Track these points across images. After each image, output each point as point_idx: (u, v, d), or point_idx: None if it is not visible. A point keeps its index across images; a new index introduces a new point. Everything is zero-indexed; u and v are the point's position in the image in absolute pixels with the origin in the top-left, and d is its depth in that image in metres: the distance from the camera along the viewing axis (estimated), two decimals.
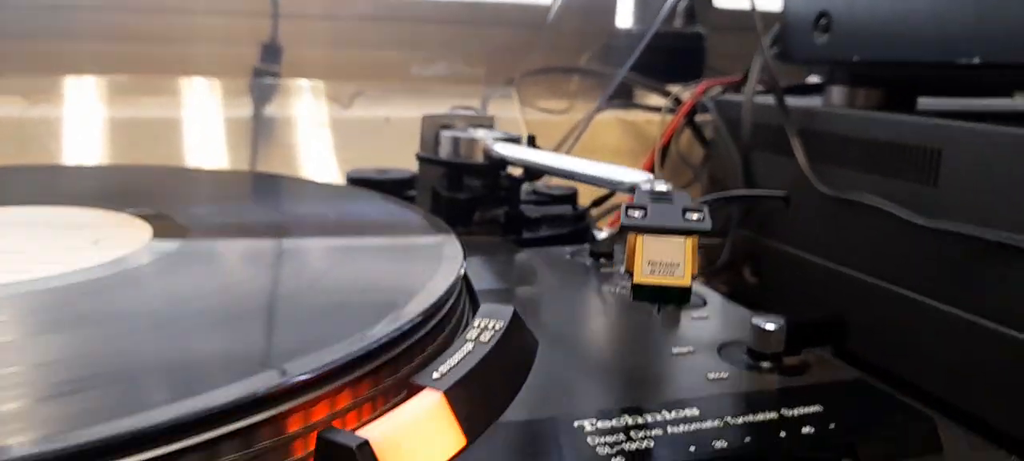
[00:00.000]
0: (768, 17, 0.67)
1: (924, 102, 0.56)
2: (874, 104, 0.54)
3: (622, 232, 0.27)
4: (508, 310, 0.29)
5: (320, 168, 0.64)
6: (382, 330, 0.25)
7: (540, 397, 0.27)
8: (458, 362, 0.25)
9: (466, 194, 0.47)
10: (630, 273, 0.27)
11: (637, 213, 0.27)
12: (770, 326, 0.30)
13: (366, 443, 0.21)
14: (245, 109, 0.64)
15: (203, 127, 0.62)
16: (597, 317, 0.35)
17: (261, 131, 0.62)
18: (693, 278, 0.26)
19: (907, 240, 0.46)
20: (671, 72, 0.75)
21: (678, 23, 0.78)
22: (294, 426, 0.22)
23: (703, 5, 0.82)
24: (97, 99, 0.61)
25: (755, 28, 0.60)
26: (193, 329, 0.25)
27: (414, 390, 0.24)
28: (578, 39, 0.76)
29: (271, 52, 0.63)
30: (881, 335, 0.47)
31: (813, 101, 0.59)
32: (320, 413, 0.23)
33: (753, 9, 0.60)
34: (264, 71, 0.63)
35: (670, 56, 0.74)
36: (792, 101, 0.57)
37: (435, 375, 0.25)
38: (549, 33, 0.74)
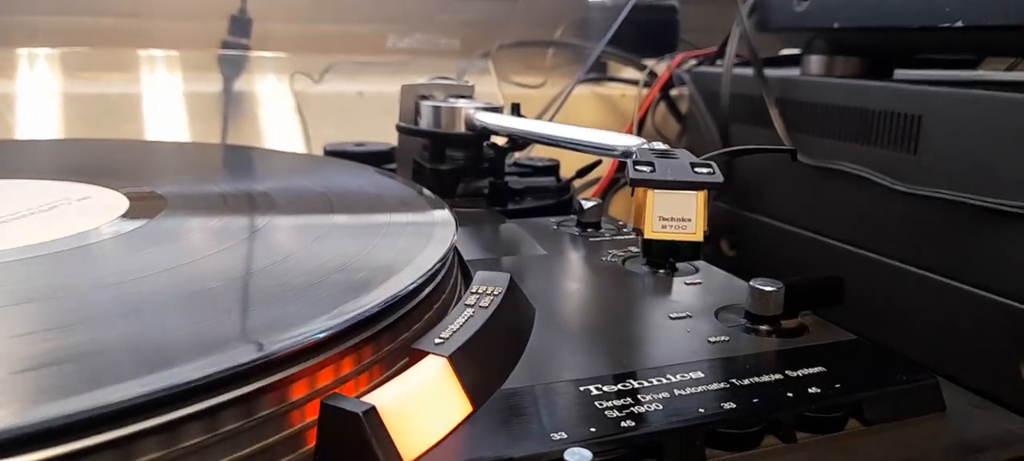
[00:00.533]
0: None
1: (901, 75, 0.56)
2: (852, 73, 0.54)
3: (632, 187, 0.27)
4: (505, 277, 0.29)
5: (292, 143, 0.62)
6: (380, 295, 0.24)
7: (540, 364, 0.26)
8: (460, 327, 0.25)
9: (449, 165, 0.46)
10: (638, 231, 0.26)
11: (646, 168, 0.26)
12: (769, 288, 0.30)
13: (373, 409, 0.20)
14: (213, 84, 0.62)
15: (169, 102, 0.60)
16: (589, 285, 0.34)
17: (231, 106, 0.60)
18: (705, 234, 0.26)
19: (887, 207, 0.47)
20: (645, 45, 0.75)
21: None
22: (297, 393, 0.21)
23: None
24: (59, 73, 0.58)
25: (732, 2, 0.60)
26: (190, 298, 0.24)
27: (416, 356, 0.23)
28: (552, 12, 0.75)
29: (240, 24, 0.61)
30: (862, 302, 0.48)
31: (790, 72, 0.59)
32: (322, 381, 0.22)
33: None
34: (233, 44, 0.61)
35: (643, 29, 0.74)
36: (769, 72, 0.57)
37: (437, 341, 0.24)
38: (523, 6, 0.73)
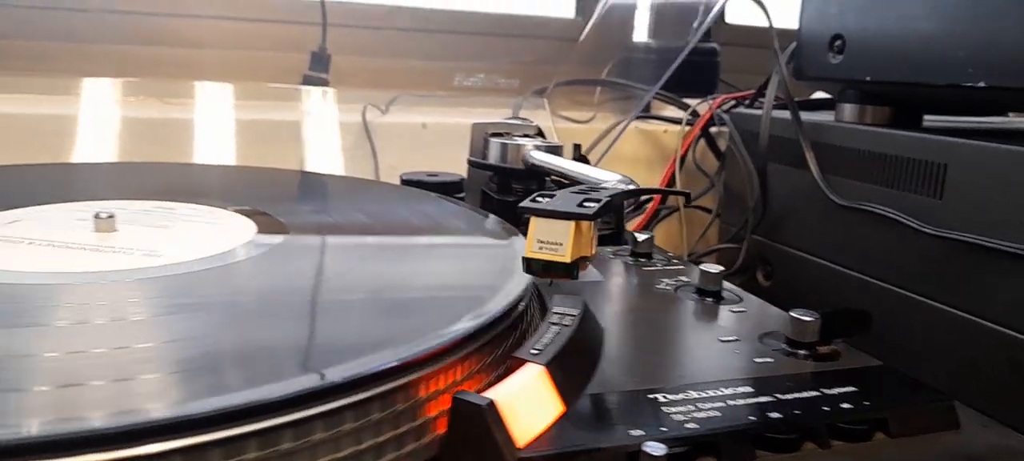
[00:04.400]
0: (781, 33, 0.71)
1: (929, 120, 0.60)
2: (882, 120, 0.59)
3: (521, 215, 0.32)
4: (580, 300, 0.34)
5: (362, 170, 0.68)
6: (492, 309, 0.29)
7: (613, 374, 0.31)
8: (550, 340, 0.30)
9: (514, 197, 0.51)
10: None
11: (538, 200, 0.32)
12: (807, 318, 0.35)
13: (492, 402, 0.25)
14: (290, 113, 0.68)
15: (251, 130, 0.66)
16: (647, 309, 0.39)
17: (307, 134, 0.66)
18: (584, 258, 0.31)
19: (914, 247, 0.51)
20: (687, 85, 0.80)
21: (694, 40, 0.83)
22: (424, 391, 0.26)
23: (716, 21, 0.87)
24: (143, 101, 0.64)
25: (766, 46, 0.65)
26: (324, 311, 0.30)
27: (516, 364, 0.28)
28: (601, 54, 0.80)
29: (319, 60, 0.67)
30: (887, 333, 0.52)
31: (824, 116, 0.64)
32: (444, 381, 0.27)
33: (771, 30, 0.65)
34: (313, 78, 0.67)
35: (686, 70, 0.79)
36: (805, 116, 0.61)
37: (533, 351, 0.29)
38: (577, 48, 0.79)
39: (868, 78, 0.55)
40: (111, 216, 0.36)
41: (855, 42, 0.56)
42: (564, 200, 0.33)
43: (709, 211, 0.73)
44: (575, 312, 0.33)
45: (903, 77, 0.53)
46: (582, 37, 0.75)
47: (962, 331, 0.48)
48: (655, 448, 0.25)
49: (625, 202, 0.34)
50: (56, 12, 0.67)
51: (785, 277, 0.65)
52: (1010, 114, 0.69)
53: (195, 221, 0.39)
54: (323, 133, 0.68)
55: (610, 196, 0.34)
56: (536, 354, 0.29)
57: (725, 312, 0.39)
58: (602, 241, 0.50)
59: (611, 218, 0.33)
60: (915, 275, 0.51)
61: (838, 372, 0.33)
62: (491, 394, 0.26)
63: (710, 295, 0.41)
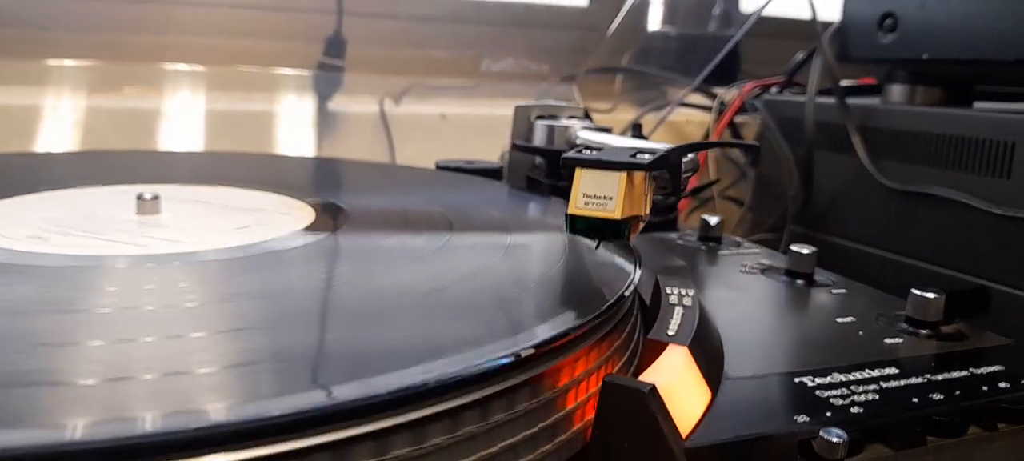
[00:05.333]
0: (798, 24, 0.69)
1: (978, 104, 0.59)
2: (934, 101, 0.57)
3: (563, 168, 0.28)
4: (687, 278, 0.30)
5: (378, 159, 0.64)
6: (609, 297, 0.26)
7: (742, 358, 0.28)
8: (681, 321, 0.26)
9: (566, 183, 0.47)
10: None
11: (584, 152, 0.28)
12: (931, 295, 0.32)
13: (655, 387, 0.21)
14: (305, 102, 0.64)
15: (261, 120, 0.62)
16: (741, 293, 0.36)
17: (323, 123, 0.62)
18: (636, 218, 0.27)
19: (980, 230, 0.49)
20: (709, 75, 0.77)
21: (713, 28, 0.81)
22: (564, 379, 0.23)
23: (733, 11, 0.85)
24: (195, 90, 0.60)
25: (784, 35, 0.63)
26: (434, 301, 0.26)
27: (654, 347, 0.25)
28: (616, 41, 0.77)
29: (335, 45, 0.63)
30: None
31: (865, 100, 0.62)
32: (582, 367, 0.23)
33: (813, 12, 0.63)
34: (328, 65, 0.63)
35: (709, 60, 0.76)
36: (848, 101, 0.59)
37: (670, 332, 0.26)
38: (591, 35, 0.76)
39: (925, 56, 0.53)
40: (156, 197, 0.32)
41: (910, 19, 0.54)
42: (614, 152, 0.29)
43: (740, 203, 0.71)
44: (692, 291, 0.30)
45: (966, 54, 0.51)
46: (612, 27, 0.72)
47: None
48: (835, 435, 0.22)
49: (684, 162, 0.30)
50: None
51: (829, 267, 0.62)
52: None
53: (243, 209, 0.35)
54: (338, 122, 0.64)
55: (669, 150, 0.29)
56: (673, 335, 0.25)
57: (825, 294, 0.37)
58: (652, 227, 0.47)
59: (667, 181, 0.29)
60: (983, 259, 0.49)
61: (976, 351, 0.30)
62: (645, 379, 0.22)
63: (802, 277, 0.38)
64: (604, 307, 0.24)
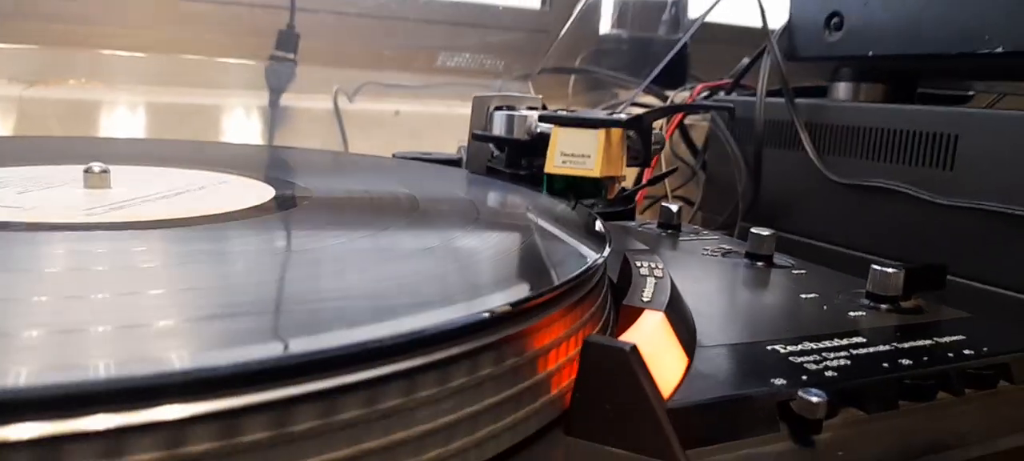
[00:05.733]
0: (744, 31, 0.71)
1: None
2: (877, 98, 0.59)
3: (541, 121, 0.28)
4: (653, 252, 0.30)
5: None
6: (589, 260, 0.26)
7: (714, 329, 0.28)
8: (655, 289, 0.26)
9: (526, 171, 0.47)
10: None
11: (557, 111, 0.28)
12: (891, 270, 0.32)
13: (635, 347, 0.21)
14: (257, 96, 0.62)
15: (210, 113, 0.60)
16: (705, 273, 0.36)
17: (276, 118, 0.60)
18: (612, 179, 0.27)
19: (923, 219, 0.50)
20: (657, 77, 0.78)
21: (663, 32, 0.82)
22: (542, 341, 0.22)
23: (682, 16, 0.86)
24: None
25: (728, 41, 0.64)
26: (408, 263, 0.25)
27: (630, 313, 0.25)
28: (570, 41, 0.78)
29: (287, 39, 0.61)
30: None
31: (812, 100, 0.63)
32: (556, 331, 0.23)
33: (762, 12, 0.64)
34: (280, 58, 0.61)
35: (658, 63, 0.77)
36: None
37: (644, 299, 0.25)
38: (544, 37, 0.76)
39: (871, 53, 0.55)
40: (105, 170, 0.30)
41: (855, 18, 0.56)
42: (584, 113, 0.29)
43: (691, 203, 0.72)
44: (662, 265, 0.29)
45: (910, 49, 0.52)
46: (564, 30, 0.73)
47: (976, 300, 0.47)
48: (815, 394, 0.22)
49: (653, 126, 0.30)
50: None
51: None
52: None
53: (200, 185, 0.34)
54: (290, 117, 0.63)
55: (643, 113, 0.30)
56: (647, 301, 0.25)
57: (785, 274, 0.37)
58: (610, 217, 0.47)
59: (639, 148, 0.29)
60: (929, 249, 0.50)
61: (934, 323, 0.31)
62: (625, 339, 0.22)
63: (762, 259, 0.38)
64: (580, 270, 0.23)
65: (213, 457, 0.14)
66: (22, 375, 0.14)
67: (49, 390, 0.13)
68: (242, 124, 0.59)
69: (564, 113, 0.28)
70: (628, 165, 0.31)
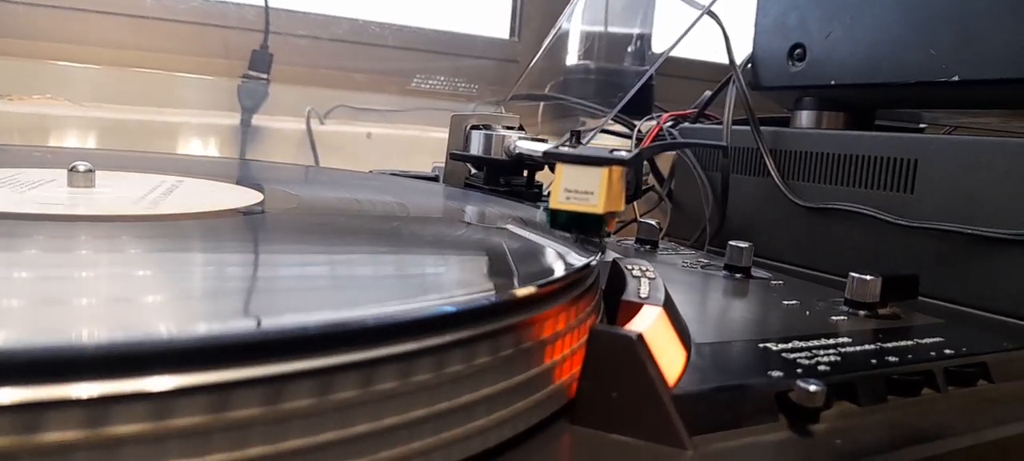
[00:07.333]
0: (705, 64, 0.73)
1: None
2: (838, 125, 0.61)
3: (545, 163, 0.29)
4: (642, 260, 0.31)
5: None
6: (589, 258, 0.26)
7: (705, 330, 0.28)
8: (650, 288, 0.26)
9: (506, 188, 0.48)
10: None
11: (560, 146, 0.29)
12: (869, 278, 0.33)
13: (641, 335, 0.21)
14: (229, 116, 0.61)
15: (185, 132, 0.59)
16: (688, 284, 0.37)
17: (247, 137, 0.60)
18: (611, 215, 0.28)
19: (885, 242, 0.52)
20: (624, 108, 0.80)
21: (628, 63, 0.84)
22: (547, 331, 0.22)
23: (646, 50, 0.88)
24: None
25: (690, 76, 0.66)
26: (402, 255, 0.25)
27: (629, 309, 0.25)
28: (541, 70, 0.79)
29: (261, 59, 0.61)
30: None
31: (776, 129, 0.65)
32: (563, 321, 0.23)
33: (727, 44, 0.66)
34: (253, 77, 0.61)
35: (626, 94, 0.79)
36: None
37: (641, 296, 0.26)
38: (513, 66, 0.77)
39: (833, 82, 0.57)
40: (90, 169, 0.29)
41: (817, 49, 0.58)
42: (593, 149, 0.30)
43: (659, 227, 0.72)
44: (650, 266, 0.30)
45: (869, 79, 0.55)
46: (535, 60, 0.74)
47: (942, 317, 0.49)
48: (813, 384, 0.23)
49: (643, 165, 0.31)
50: None
51: None
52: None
53: (187, 189, 0.33)
54: (262, 136, 0.62)
55: (642, 149, 0.30)
56: (647, 298, 0.25)
57: (765, 285, 0.38)
58: None
59: (632, 181, 0.30)
60: (892, 269, 0.52)
61: (913, 327, 0.32)
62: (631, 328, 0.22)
63: (740, 271, 0.39)
64: (583, 264, 0.24)
65: (201, 432, 0.14)
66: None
67: (31, 354, 0.13)
68: (214, 143, 0.58)
69: (566, 149, 0.29)
70: None
